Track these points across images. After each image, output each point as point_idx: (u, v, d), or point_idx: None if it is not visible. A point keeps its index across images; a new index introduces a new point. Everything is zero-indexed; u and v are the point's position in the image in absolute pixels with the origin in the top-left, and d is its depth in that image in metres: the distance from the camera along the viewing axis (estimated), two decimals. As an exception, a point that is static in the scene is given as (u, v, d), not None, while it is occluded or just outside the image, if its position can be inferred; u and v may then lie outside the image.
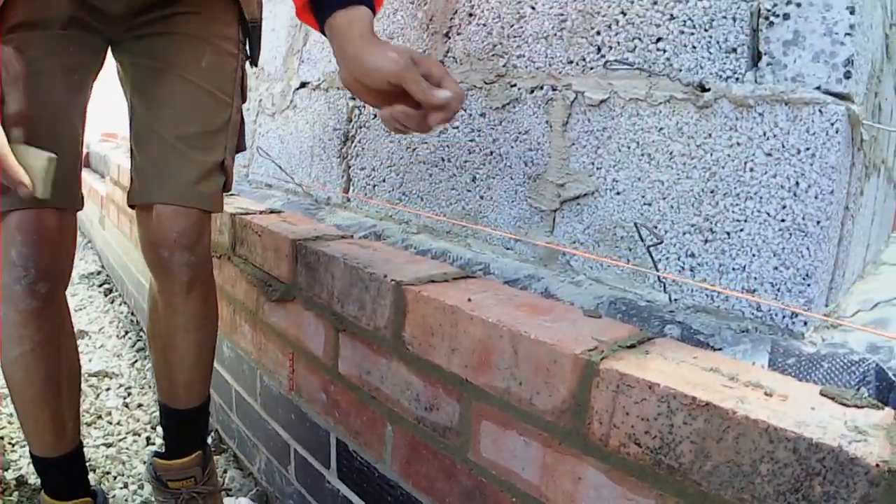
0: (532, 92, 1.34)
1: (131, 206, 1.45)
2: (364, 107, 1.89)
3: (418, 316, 1.16)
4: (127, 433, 2.30)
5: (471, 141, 1.50)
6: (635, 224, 1.16)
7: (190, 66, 1.41)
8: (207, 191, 1.41)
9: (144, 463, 1.81)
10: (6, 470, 1.99)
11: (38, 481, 1.87)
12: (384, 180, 1.80)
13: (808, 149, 0.96)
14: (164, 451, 1.68)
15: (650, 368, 0.86)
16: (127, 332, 3.17)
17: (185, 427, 1.65)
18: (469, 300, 1.10)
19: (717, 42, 1.06)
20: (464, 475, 1.14)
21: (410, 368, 1.21)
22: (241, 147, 1.57)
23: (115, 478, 2.00)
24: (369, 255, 1.38)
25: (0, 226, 1.27)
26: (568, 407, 0.93)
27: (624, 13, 1.19)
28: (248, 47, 1.55)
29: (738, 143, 1.04)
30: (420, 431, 1.22)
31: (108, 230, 3.96)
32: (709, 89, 1.07)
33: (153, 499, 1.78)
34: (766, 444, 0.72)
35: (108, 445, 2.22)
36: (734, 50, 1.04)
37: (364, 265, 1.30)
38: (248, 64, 1.57)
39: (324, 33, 1.25)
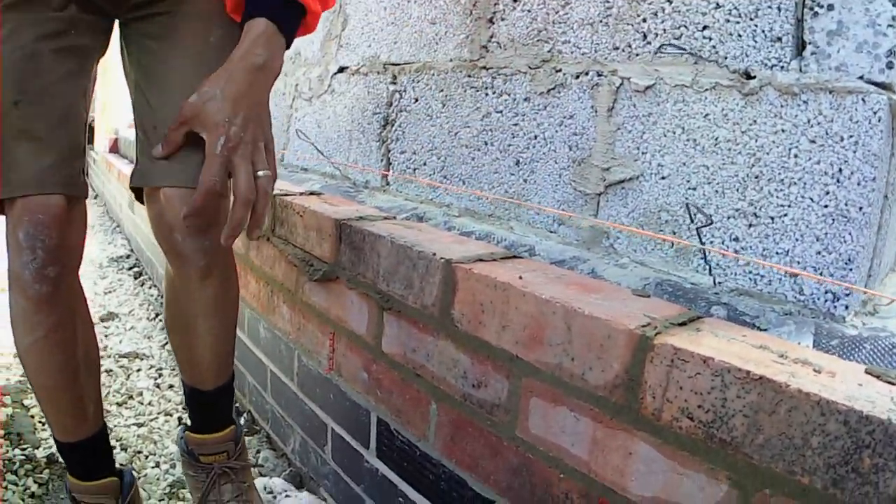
0: (577, 77, 1.36)
1: (134, 190, 1.39)
2: (405, 91, 1.92)
3: (468, 293, 1.18)
4: (158, 413, 2.34)
5: (515, 125, 1.52)
6: (686, 204, 1.19)
7: (198, 43, 1.35)
8: None
9: (175, 441, 1.84)
10: (37, 448, 2.03)
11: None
12: (425, 164, 1.82)
13: (850, 136, 0.98)
14: (192, 426, 1.68)
15: (703, 344, 0.88)
16: (157, 315, 3.22)
17: (210, 406, 1.64)
18: (520, 278, 1.12)
19: (763, 31, 1.08)
20: (510, 452, 1.16)
21: (458, 346, 1.23)
22: None
23: (146, 457, 2.04)
24: (415, 235, 1.40)
25: (5, 212, 1.26)
26: (621, 382, 0.95)
27: (670, 1, 1.21)
28: None
29: (783, 130, 1.06)
30: (466, 409, 1.24)
31: (137, 214, 4.00)
32: (754, 77, 1.09)
33: (184, 475, 1.80)
34: (817, 416, 0.75)
35: (140, 425, 2.26)
36: (779, 39, 1.06)
37: (411, 244, 1.31)
38: None
39: None
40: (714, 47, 1.14)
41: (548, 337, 1.05)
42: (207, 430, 1.63)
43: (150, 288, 3.63)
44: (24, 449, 2.02)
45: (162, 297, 3.35)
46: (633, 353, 0.93)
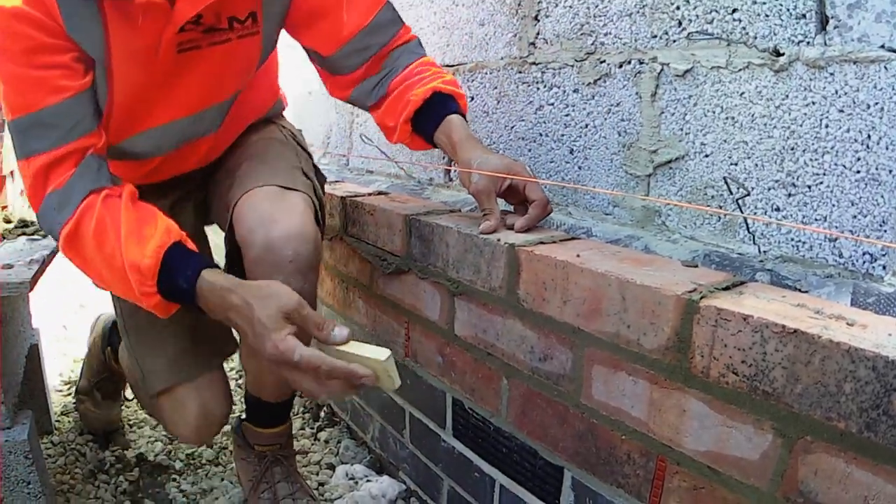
0: (621, 66, 1.43)
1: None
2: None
3: (531, 273, 1.27)
4: (241, 412, 2.42)
5: (566, 116, 1.59)
6: (724, 178, 1.25)
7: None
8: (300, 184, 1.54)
9: (231, 428, 1.93)
10: (126, 449, 2.16)
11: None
12: (484, 158, 1.89)
13: (876, 103, 1.03)
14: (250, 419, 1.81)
15: (744, 305, 0.95)
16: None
17: (270, 412, 1.77)
18: (578, 256, 1.20)
19: (788, 10, 1.13)
20: (576, 419, 1.24)
21: (525, 323, 1.31)
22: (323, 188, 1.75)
23: (231, 452, 2.15)
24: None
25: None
26: (672, 344, 1.03)
27: (701, -12, 1.27)
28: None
29: (814, 102, 1.11)
30: (535, 381, 1.32)
31: (216, 233, 4.10)
32: (783, 54, 1.14)
33: (234, 459, 1.92)
34: (848, 364, 0.81)
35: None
36: (804, 16, 1.11)
37: (477, 233, 1.39)
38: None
39: (435, 145, 1.50)
40: (744, 28, 1.20)
41: (605, 308, 1.13)
42: (265, 426, 1.77)
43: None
44: (113, 451, 2.15)
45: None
46: (682, 317, 1.00)
